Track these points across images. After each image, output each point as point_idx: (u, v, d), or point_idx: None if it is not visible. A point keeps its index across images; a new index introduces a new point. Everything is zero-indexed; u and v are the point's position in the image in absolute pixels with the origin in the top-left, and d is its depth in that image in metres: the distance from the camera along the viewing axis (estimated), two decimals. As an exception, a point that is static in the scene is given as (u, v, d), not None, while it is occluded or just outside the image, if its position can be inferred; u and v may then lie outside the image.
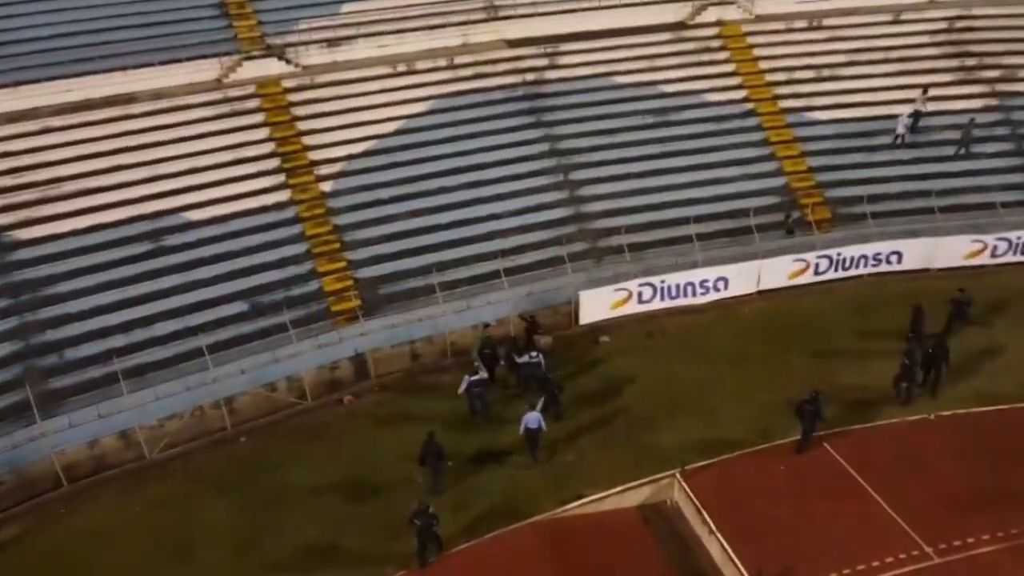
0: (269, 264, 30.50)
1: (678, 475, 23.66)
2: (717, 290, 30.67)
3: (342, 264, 30.89)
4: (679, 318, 30.06)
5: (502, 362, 27.46)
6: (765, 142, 35.71)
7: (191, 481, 24.51)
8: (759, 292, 31.08)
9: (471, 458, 24.65)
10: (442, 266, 30.67)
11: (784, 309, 30.34)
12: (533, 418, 24.24)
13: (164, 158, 32.11)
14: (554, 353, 28.04)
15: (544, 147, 34.74)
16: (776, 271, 30.88)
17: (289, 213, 31.86)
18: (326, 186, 32.69)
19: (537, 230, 32.46)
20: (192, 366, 27.11)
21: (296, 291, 30.03)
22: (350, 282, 30.44)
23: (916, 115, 35.28)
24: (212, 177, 32.07)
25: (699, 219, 32.61)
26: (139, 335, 28.10)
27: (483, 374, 26.36)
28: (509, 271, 30.51)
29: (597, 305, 29.78)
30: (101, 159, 31.71)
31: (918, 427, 25.25)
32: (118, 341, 27.79)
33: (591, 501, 23.24)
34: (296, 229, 31.49)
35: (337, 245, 31.36)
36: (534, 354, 26.71)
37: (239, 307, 29.30)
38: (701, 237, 31.47)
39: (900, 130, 35.11)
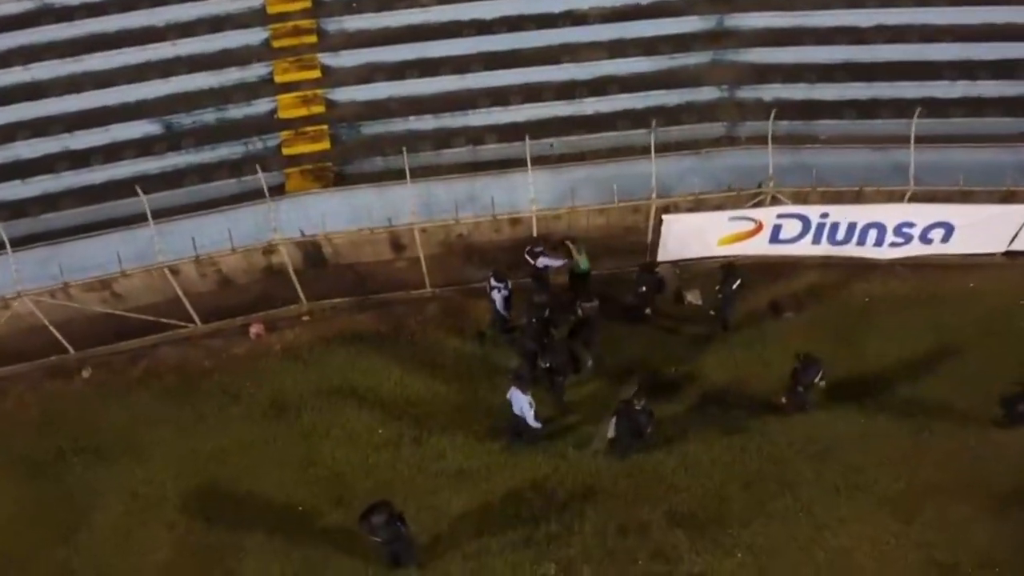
0: (202, 59, 19.51)
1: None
2: (927, 241, 16.69)
3: (314, 73, 19.41)
4: (838, 281, 16.97)
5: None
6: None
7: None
8: (1007, 254, 17.00)
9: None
10: (465, 100, 18.81)
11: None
12: (517, 399, 14.69)
13: None
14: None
15: None
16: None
17: (249, -35, 20.08)
18: (319, -84, 20.27)
19: (637, 54, 19.22)
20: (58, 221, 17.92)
21: (235, 111, 19.21)
22: (321, 108, 19.15)
23: None
24: None
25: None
26: (-7, 156, 18.79)
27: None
28: (576, 122, 18.48)
29: (696, 233, 16.88)
30: None
31: None
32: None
33: None
34: (256, -1, 19.87)
35: (313, 38, 19.66)
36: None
37: (145, 127, 19.02)
38: (928, 108, 17.40)
39: None
